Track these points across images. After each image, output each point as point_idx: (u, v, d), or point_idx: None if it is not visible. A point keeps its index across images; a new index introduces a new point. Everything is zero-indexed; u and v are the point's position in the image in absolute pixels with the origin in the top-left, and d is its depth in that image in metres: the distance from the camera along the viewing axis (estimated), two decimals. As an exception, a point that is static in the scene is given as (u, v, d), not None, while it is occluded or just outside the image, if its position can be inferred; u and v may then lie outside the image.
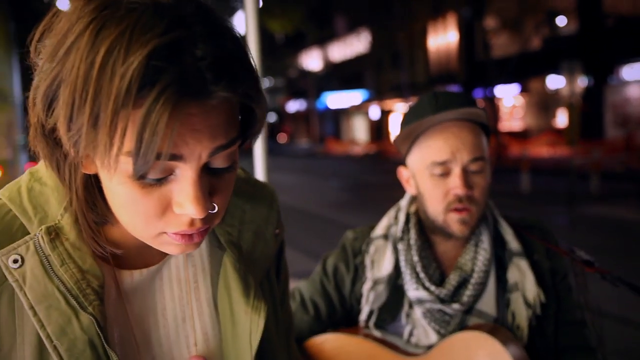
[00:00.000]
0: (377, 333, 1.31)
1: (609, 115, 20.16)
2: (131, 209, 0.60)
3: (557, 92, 20.03)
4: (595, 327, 1.31)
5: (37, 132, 0.62)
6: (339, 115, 39.55)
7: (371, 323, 1.32)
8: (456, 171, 1.22)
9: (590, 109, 18.75)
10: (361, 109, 35.85)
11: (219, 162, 0.60)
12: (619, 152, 15.76)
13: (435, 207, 1.25)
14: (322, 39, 36.82)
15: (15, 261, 0.62)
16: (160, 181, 0.58)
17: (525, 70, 21.84)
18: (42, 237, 0.63)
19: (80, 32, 0.55)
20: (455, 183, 1.22)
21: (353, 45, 34.43)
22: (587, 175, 11.78)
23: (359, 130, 37.45)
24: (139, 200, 0.58)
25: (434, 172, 1.24)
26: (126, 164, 0.56)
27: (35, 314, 0.61)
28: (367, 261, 1.36)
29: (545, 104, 23.13)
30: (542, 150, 20.01)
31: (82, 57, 0.54)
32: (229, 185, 0.64)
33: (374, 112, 34.25)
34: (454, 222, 1.23)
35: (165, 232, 0.62)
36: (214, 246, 0.78)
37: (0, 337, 0.62)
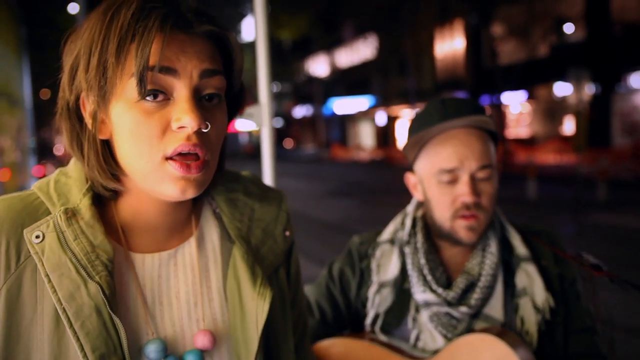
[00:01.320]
0: (383, 337, 1.31)
1: (616, 123, 20.07)
2: (137, 134, 0.70)
3: (564, 99, 19.96)
4: (606, 334, 1.30)
5: (63, 110, 0.76)
6: (346, 121, 39.57)
7: (377, 327, 1.31)
8: (464, 179, 1.23)
9: (597, 117, 18.67)
10: (368, 114, 35.85)
11: (208, 89, 0.74)
12: (626, 160, 15.67)
13: (442, 214, 1.26)
14: (329, 45, 36.91)
15: (37, 237, 0.72)
16: (160, 101, 0.71)
17: (532, 77, 21.80)
18: (59, 215, 0.74)
19: (93, 16, 0.73)
20: (463, 190, 1.22)
21: (360, 51, 34.48)
22: (594, 183, 11.72)
23: (366, 136, 37.44)
24: (142, 123, 0.70)
25: (441, 179, 1.24)
26: (132, 91, 0.70)
27: (49, 281, 0.70)
28: (373, 265, 1.36)
29: (552, 111, 23.05)
30: (548, 157, 19.92)
31: (95, 24, 0.71)
32: (220, 122, 0.76)
33: (381, 118, 34.24)
34: (462, 229, 1.24)
35: (166, 160, 0.71)
36: (225, 240, 0.85)
37: (24, 306, 0.71)
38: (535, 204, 11.35)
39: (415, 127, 1.30)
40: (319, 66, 40.06)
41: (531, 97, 23.75)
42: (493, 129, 1.26)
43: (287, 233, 0.90)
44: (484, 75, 23.59)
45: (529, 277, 1.27)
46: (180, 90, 0.71)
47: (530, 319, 1.23)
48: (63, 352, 0.70)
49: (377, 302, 1.32)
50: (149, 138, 0.70)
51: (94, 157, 0.75)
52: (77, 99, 0.75)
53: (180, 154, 0.71)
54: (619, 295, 1.16)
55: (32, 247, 0.71)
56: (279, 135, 45.66)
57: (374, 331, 1.32)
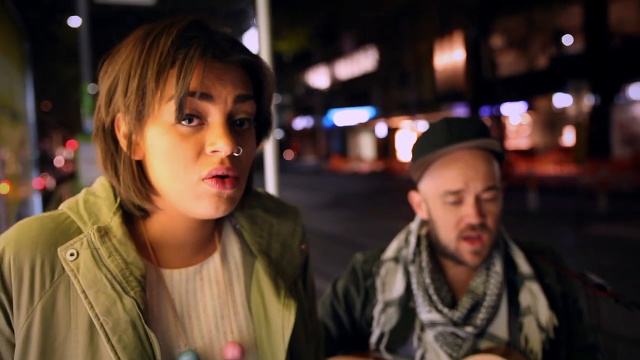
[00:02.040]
0: (388, 356, 1.30)
1: (616, 134, 20.12)
2: (173, 156, 0.73)
3: (563, 110, 20.02)
4: (609, 351, 1.30)
5: (98, 131, 0.79)
6: (346, 133, 39.65)
7: (382, 346, 1.31)
8: (469, 200, 1.23)
9: (597, 128, 18.72)
10: (368, 126, 35.94)
11: (240, 114, 0.77)
12: (626, 171, 15.69)
13: (447, 235, 1.26)
14: (329, 57, 37.08)
15: (71, 254, 0.74)
16: (195, 125, 0.74)
17: (531, 88, 21.89)
18: (93, 234, 0.76)
19: (131, 42, 0.76)
20: (468, 212, 1.23)
21: (360, 63, 34.64)
22: (595, 194, 11.73)
23: (366, 148, 37.50)
24: (178, 146, 0.73)
25: (446, 200, 1.25)
26: (168, 115, 0.73)
27: (86, 297, 0.72)
28: (378, 283, 1.36)
29: (552, 122, 23.11)
30: (549, 168, 19.94)
31: (134, 49, 0.75)
32: (250, 145, 0.79)
33: (381, 129, 34.32)
34: (466, 252, 1.24)
35: (202, 180, 0.74)
36: (246, 254, 0.88)
37: (58, 323, 0.73)
38: (536, 215, 11.35)
39: (420, 149, 1.30)
40: (319, 78, 40.22)
41: (531, 109, 23.82)
42: (498, 149, 1.27)
43: (303, 246, 0.94)
44: (483, 87, 23.69)
45: (533, 296, 1.27)
46: (215, 115, 0.74)
47: (534, 337, 1.24)
48: None
49: (382, 321, 1.32)
50: (184, 160, 0.73)
51: (130, 178, 0.77)
52: (113, 120, 0.78)
53: (214, 176, 0.74)
54: (622, 309, 1.17)
55: (67, 265, 0.74)
56: (279, 147, 45.71)
57: (379, 350, 1.32)
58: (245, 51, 0.78)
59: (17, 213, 5.57)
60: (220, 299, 0.84)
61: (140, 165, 0.78)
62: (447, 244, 1.27)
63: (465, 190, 1.23)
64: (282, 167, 33.19)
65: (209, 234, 0.86)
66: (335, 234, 10.08)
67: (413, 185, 1.37)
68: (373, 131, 35.88)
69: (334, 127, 39.66)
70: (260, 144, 0.87)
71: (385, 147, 33.81)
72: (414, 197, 1.36)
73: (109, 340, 0.70)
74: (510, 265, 1.32)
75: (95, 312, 0.71)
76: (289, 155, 47.45)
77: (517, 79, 22.00)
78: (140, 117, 0.74)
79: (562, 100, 20.35)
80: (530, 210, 11.85)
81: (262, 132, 0.87)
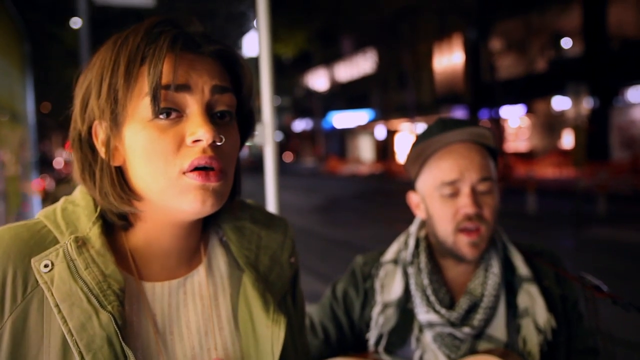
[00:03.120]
0: (386, 358, 1.31)
1: (614, 137, 20.15)
2: (152, 151, 0.71)
3: (562, 113, 20.06)
4: (608, 354, 1.31)
5: (74, 141, 0.77)
6: (345, 135, 39.66)
7: (381, 347, 1.32)
8: (465, 191, 1.24)
9: (596, 131, 18.75)
10: (367, 128, 35.95)
11: (219, 106, 0.75)
12: (625, 174, 15.72)
13: (445, 228, 1.27)
14: (329, 59, 37.11)
15: (46, 266, 0.70)
16: (173, 119, 0.71)
17: (530, 91, 21.92)
18: (70, 244, 0.72)
19: (103, 48, 0.75)
20: (464, 202, 1.24)
21: (359, 66, 34.66)
22: (594, 196, 11.74)
23: (365, 150, 37.51)
24: (157, 140, 0.70)
25: (443, 192, 1.26)
26: (145, 110, 0.71)
27: (59, 311, 0.68)
28: (377, 285, 1.37)
29: (551, 125, 23.15)
30: (548, 171, 19.95)
31: (105, 54, 0.74)
32: (233, 138, 0.77)
33: (380, 131, 34.33)
34: (464, 245, 1.25)
35: (184, 174, 0.71)
36: (234, 268, 0.84)
37: (30, 340, 0.69)
38: (534, 218, 11.36)
39: (416, 143, 1.32)
40: (318, 80, 40.25)
41: (530, 111, 23.85)
42: (492, 144, 1.29)
43: (292, 260, 0.91)
44: (482, 90, 23.72)
45: (530, 298, 1.28)
46: (193, 105, 0.72)
47: (532, 339, 1.24)
48: None
49: (380, 322, 1.32)
50: (164, 154, 0.70)
51: (109, 184, 0.74)
52: (89, 128, 0.76)
53: (197, 168, 0.71)
54: (620, 312, 1.18)
55: (40, 277, 0.69)
56: (279, 149, 45.66)
57: (378, 351, 1.33)
58: (219, 43, 0.76)
59: (17, 214, 5.57)
60: (204, 314, 0.80)
61: (121, 172, 0.75)
62: (445, 239, 1.27)
63: (461, 180, 1.25)
64: (282, 169, 33.10)
65: (194, 244, 0.82)
66: (334, 236, 10.08)
67: (411, 186, 1.38)
68: (372, 133, 35.89)
69: (333, 129, 39.67)
70: (244, 143, 0.84)
71: (385, 149, 33.82)
72: (412, 198, 1.37)
73: (82, 358, 0.66)
74: (508, 267, 1.32)
75: (69, 328, 0.67)
76: (288, 157, 47.45)
77: (516, 82, 22.03)
78: (115, 118, 0.72)
79: (561, 103, 20.38)
80: (529, 212, 11.86)
81: (246, 130, 0.84)
